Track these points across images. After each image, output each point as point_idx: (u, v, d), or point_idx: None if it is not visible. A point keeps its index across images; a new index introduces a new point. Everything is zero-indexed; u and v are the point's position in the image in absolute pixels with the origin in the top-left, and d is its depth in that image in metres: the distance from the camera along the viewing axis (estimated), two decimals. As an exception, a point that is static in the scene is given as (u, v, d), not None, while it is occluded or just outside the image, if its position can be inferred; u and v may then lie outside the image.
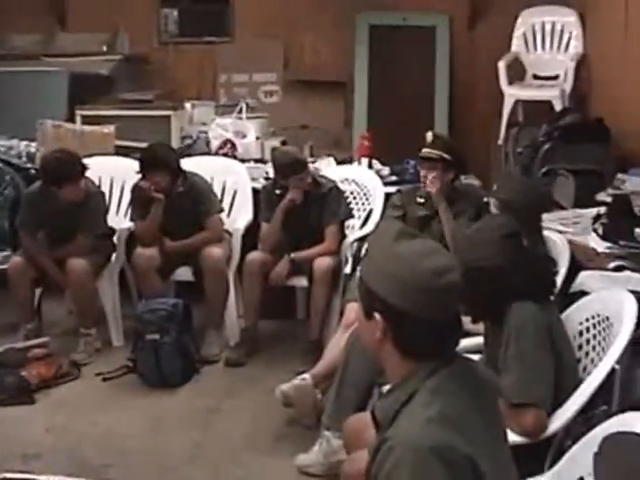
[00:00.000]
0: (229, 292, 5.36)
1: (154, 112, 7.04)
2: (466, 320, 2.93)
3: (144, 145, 5.66)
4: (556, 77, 7.27)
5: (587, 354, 3.20)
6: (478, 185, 5.85)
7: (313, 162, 6.28)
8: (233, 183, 5.89)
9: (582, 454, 2.31)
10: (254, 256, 5.18)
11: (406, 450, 1.82)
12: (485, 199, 4.60)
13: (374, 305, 2.01)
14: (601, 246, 4.31)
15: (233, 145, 6.59)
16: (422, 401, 1.93)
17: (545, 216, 4.56)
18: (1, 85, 7.31)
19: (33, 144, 6.41)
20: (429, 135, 4.77)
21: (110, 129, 6.48)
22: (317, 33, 8.15)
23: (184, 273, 5.41)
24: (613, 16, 6.35)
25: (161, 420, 4.51)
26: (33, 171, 6.05)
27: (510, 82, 7.14)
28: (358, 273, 2.31)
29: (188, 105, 7.21)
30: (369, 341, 2.07)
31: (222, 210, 5.56)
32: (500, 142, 6.91)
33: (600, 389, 2.91)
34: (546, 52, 7.53)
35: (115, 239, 5.52)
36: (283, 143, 6.49)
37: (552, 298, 3.20)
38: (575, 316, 3.32)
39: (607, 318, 3.13)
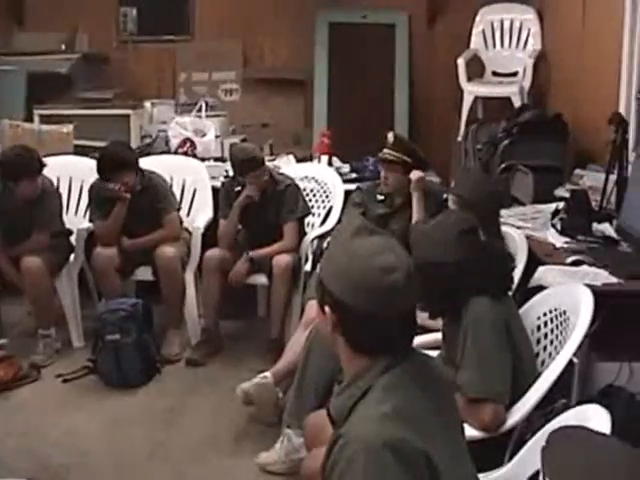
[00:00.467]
0: (185, 291, 5.34)
1: (113, 111, 7.00)
2: (424, 316, 2.94)
3: (103, 144, 5.62)
4: (515, 74, 7.31)
5: (545, 348, 3.22)
6: (438, 182, 5.87)
7: (273, 160, 6.29)
8: (193, 182, 5.87)
9: (539, 447, 2.32)
10: (212, 253, 5.17)
11: (359, 446, 1.82)
12: (444, 196, 4.61)
13: (325, 298, 2.02)
14: (559, 241, 4.34)
15: (193, 144, 6.58)
16: (376, 397, 1.93)
17: (504, 212, 4.59)
18: (-42, 85, 7.23)
19: (-9, 143, 6.34)
20: (390, 136, 4.78)
21: (69, 128, 6.43)
22: (277, 31, 8.12)
23: (144, 273, 5.39)
24: (571, 13, 6.39)
25: (122, 420, 4.49)
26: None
27: (469, 79, 7.16)
28: (318, 270, 2.31)
29: (147, 104, 7.17)
30: (325, 335, 2.08)
31: (180, 208, 5.56)
32: (459, 139, 6.93)
33: (559, 383, 2.92)
34: (505, 49, 7.55)
35: (74, 239, 5.47)
36: (243, 141, 6.48)
37: (510, 293, 3.22)
38: (533, 310, 3.35)
39: (564, 312, 3.16)
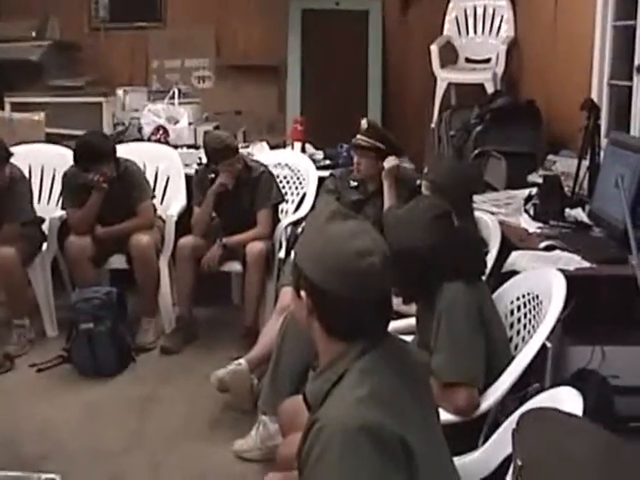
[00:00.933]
0: (159, 279, 5.33)
1: (85, 99, 6.99)
2: (397, 301, 2.95)
3: (76, 132, 5.59)
4: (488, 60, 7.32)
5: (518, 332, 3.24)
6: (411, 168, 5.88)
7: (246, 147, 6.28)
8: (166, 169, 5.86)
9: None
10: (186, 240, 5.16)
11: (335, 430, 1.82)
12: (418, 182, 4.62)
13: (300, 283, 2.02)
14: (532, 226, 4.37)
15: (165, 131, 6.56)
16: (352, 381, 1.93)
17: (477, 197, 4.61)
18: None
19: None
20: (364, 122, 4.78)
21: (40, 116, 6.39)
22: (249, 18, 8.09)
23: (118, 261, 5.37)
24: (543, 0, 6.41)
25: (97, 409, 4.48)
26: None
27: (442, 65, 7.18)
28: (292, 258, 2.31)
29: (120, 91, 7.15)
30: (301, 320, 2.08)
31: (154, 196, 5.54)
32: (433, 125, 6.94)
33: (532, 366, 2.94)
34: (478, 36, 7.56)
35: (46, 228, 5.43)
36: (216, 128, 6.46)
37: (483, 278, 3.23)
38: (506, 295, 3.36)
39: (537, 296, 3.18)
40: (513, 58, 7.11)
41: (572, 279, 3.15)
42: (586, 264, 3.74)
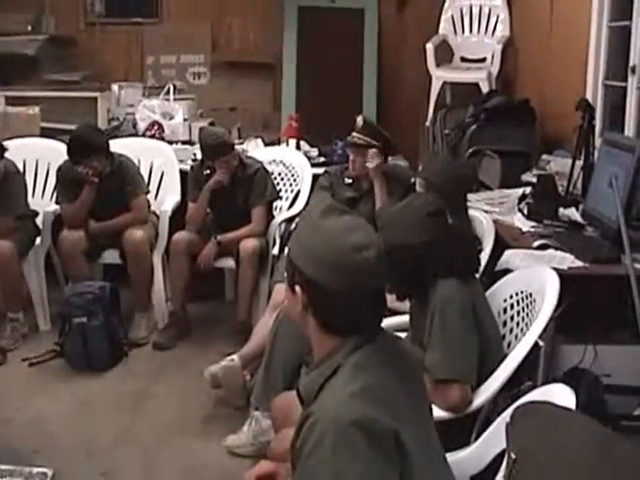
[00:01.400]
0: (153, 274, 5.33)
1: (81, 93, 6.96)
2: (391, 298, 2.95)
3: (70, 127, 5.58)
4: (483, 60, 7.32)
5: (511, 330, 3.25)
6: (406, 166, 5.88)
7: (241, 143, 6.28)
8: (160, 165, 5.85)
9: (504, 426, 2.34)
10: (180, 236, 5.16)
11: (329, 424, 1.83)
12: (412, 180, 4.62)
13: (295, 278, 2.02)
14: (526, 225, 4.37)
15: (160, 127, 6.56)
16: (345, 376, 1.93)
17: (472, 196, 4.61)
18: None
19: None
20: (359, 120, 4.78)
21: (35, 110, 6.38)
22: (245, 14, 8.08)
23: (111, 256, 5.37)
24: (539, 0, 6.42)
25: (89, 404, 4.48)
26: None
27: (438, 64, 7.16)
28: (286, 254, 2.31)
29: (115, 87, 7.14)
30: (294, 316, 2.08)
31: (148, 191, 5.53)
32: (428, 123, 6.94)
33: (525, 365, 2.95)
34: (473, 35, 7.55)
35: (40, 222, 5.43)
36: (211, 125, 6.46)
37: (477, 275, 3.24)
38: (499, 293, 3.37)
39: (530, 295, 3.19)
40: (508, 57, 7.11)
41: (565, 278, 3.16)
42: (579, 263, 3.74)
